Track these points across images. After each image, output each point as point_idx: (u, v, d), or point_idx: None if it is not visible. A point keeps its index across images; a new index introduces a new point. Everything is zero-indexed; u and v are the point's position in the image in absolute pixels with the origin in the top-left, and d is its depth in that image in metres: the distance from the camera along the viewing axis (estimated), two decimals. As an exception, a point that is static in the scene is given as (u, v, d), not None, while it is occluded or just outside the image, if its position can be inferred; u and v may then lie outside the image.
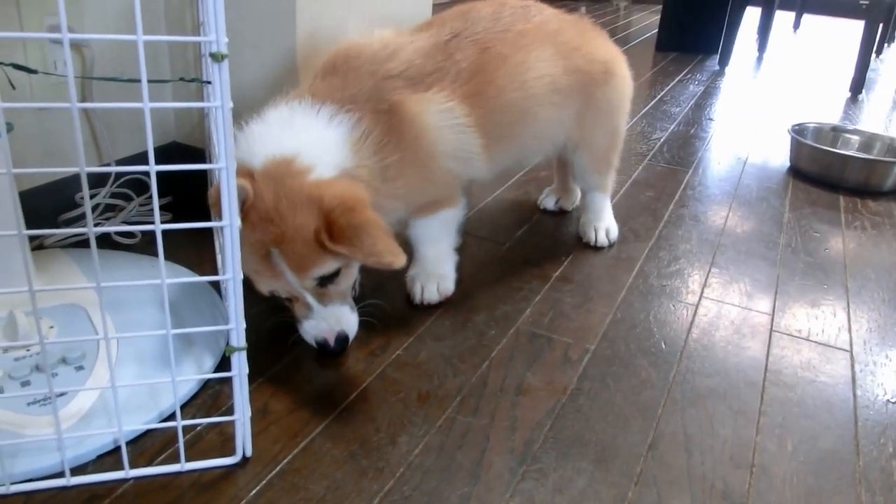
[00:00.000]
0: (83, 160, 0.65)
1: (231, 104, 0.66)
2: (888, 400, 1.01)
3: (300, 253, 0.89)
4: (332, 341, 0.95)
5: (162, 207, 1.37)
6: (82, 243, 1.21)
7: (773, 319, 1.19)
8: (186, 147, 1.42)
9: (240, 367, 0.76)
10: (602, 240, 1.38)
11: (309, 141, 0.93)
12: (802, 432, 0.93)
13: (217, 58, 0.64)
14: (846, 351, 1.12)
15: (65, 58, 0.60)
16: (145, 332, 0.75)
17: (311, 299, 0.94)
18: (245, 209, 0.88)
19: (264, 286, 0.94)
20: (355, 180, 0.94)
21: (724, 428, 0.93)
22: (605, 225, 1.40)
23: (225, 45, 0.64)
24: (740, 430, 0.93)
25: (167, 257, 1.18)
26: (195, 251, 1.23)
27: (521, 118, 1.15)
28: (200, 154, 1.36)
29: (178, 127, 1.43)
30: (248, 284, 0.91)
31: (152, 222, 0.67)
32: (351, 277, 0.98)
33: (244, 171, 0.89)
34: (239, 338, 0.74)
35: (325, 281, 0.93)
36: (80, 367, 0.87)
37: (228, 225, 0.69)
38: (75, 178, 1.26)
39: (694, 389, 1.00)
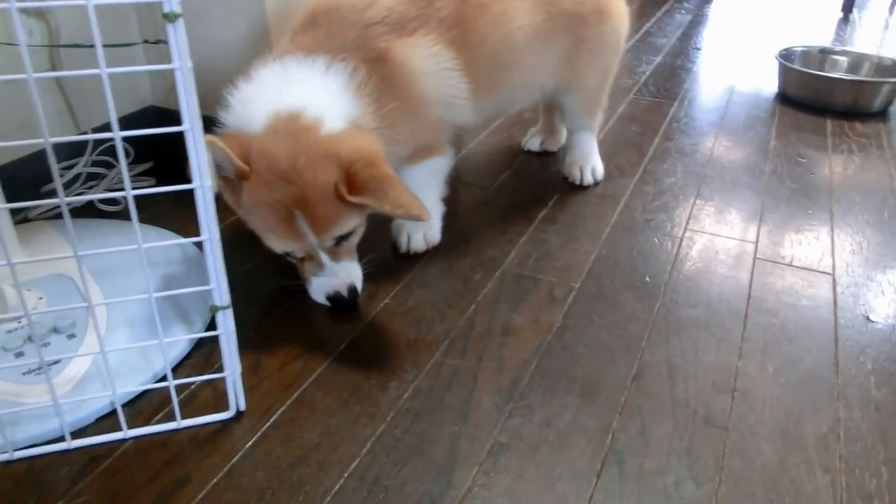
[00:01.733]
0: (47, 132, 0.65)
1: (190, 64, 0.66)
2: (868, 318, 1.03)
3: (323, 214, 0.89)
4: (344, 292, 0.97)
5: (144, 173, 1.37)
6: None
7: (757, 247, 1.20)
8: (164, 110, 1.40)
9: (225, 325, 0.78)
10: (588, 179, 1.38)
11: (312, 93, 0.92)
12: (783, 356, 0.95)
13: (170, 18, 0.63)
14: (828, 274, 1.13)
15: (15, 27, 0.59)
16: (128, 298, 0.76)
17: (324, 257, 0.95)
18: (253, 169, 0.87)
19: (280, 246, 0.94)
20: (364, 130, 0.94)
21: (706, 356, 0.95)
22: (591, 164, 1.39)
23: (178, 4, 0.63)
24: (723, 356, 0.95)
25: (153, 223, 1.20)
26: (181, 215, 1.23)
27: (505, 67, 1.14)
28: (178, 117, 1.34)
29: (153, 90, 1.41)
30: (251, 242, 0.92)
31: (134, 188, 0.68)
32: (361, 234, 1.00)
33: (235, 136, 0.88)
34: (222, 297, 0.76)
35: (341, 239, 0.95)
36: (72, 335, 0.89)
37: (199, 186, 0.70)
38: (55, 149, 1.25)
39: (678, 320, 1.01)
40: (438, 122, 1.08)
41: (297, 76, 0.93)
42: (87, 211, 1.25)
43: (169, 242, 0.74)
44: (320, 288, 0.98)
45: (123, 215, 1.24)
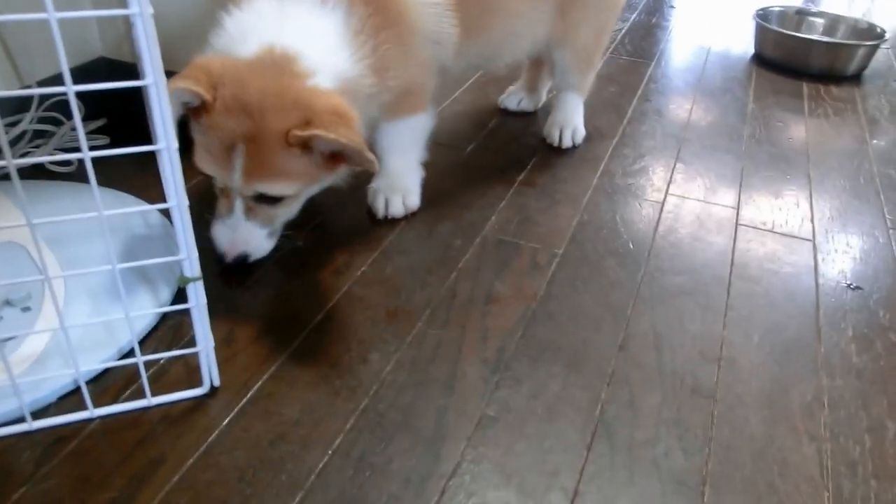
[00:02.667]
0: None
1: (151, 10, 0.59)
2: (848, 285, 1.03)
3: (262, 160, 0.84)
4: (228, 258, 0.92)
5: (97, 130, 1.28)
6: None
7: (738, 213, 1.19)
8: (116, 62, 1.31)
9: (197, 298, 0.73)
10: (567, 141, 1.34)
11: (311, 36, 0.86)
12: (767, 323, 0.95)
13: (130, -43, 0.56)
14: (809, 240, 1.13)
15: (-49, -36, 0.51)
16: (89, 269, 0.70)
17: (238, 204, 0.90)
18: (220, 94, 0.81)
19: (207, 166, 0.88)
20: (351, 96, 0.87)
21: (692, 324, 0.94)
22: (572, 126, 1.35)
23: (138, -58, 0.56)
24: (708, 325, 0.94)
25: (110, 185, 1.12)
26: (139, 176, 1.15)
27: (494, 11, 1.09)
28: (132, 69, 1.25)
29: (104, 41, 1.31)
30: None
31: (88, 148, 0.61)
32: (289, 212, 0.95)
33: (204, 65, 0.82)
34: (192, 268, 0.70)
35: (264, 199, 0.89)
36: (27, 308, 0.83)
37: (165, 148, 0.64)
38: (-2, 104, 1.16)
39: (663, 288, 1.00)
40: (426, 61, 1.02)
41: (294, 10, 0.87)
42: (35, 172, 1.16)
43: (133, 209, 0.68)
44: (216, 234, 0.93)
45: (76, 177, 1.16)
